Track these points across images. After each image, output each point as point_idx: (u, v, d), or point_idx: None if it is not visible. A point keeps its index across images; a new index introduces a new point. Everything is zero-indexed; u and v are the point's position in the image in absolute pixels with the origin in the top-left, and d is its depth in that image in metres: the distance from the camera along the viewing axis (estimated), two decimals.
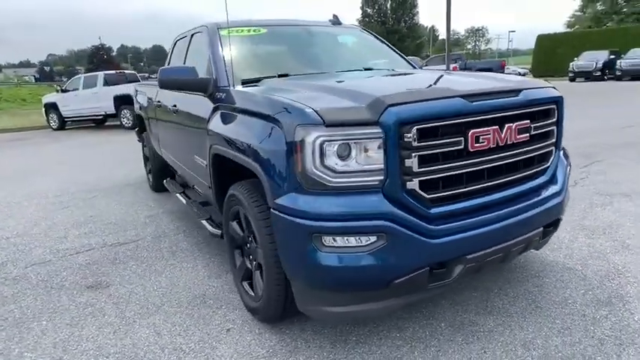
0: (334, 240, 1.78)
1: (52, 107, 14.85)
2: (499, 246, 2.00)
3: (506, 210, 2.02)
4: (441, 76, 2.43)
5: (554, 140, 2.28)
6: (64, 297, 2.85)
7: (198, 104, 2.96)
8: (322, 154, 1.76)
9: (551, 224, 2.29)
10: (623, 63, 21.81)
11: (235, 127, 2.29)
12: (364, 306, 1.92)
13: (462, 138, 1.88)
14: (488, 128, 1.94)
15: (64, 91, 14.73)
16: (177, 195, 4.03)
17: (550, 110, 2.22)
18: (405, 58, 3.65)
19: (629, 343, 2.05)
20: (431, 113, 1.81)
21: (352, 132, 1.75)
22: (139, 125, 5.79)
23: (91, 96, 13.86)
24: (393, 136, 1.75)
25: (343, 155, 1.77)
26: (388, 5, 58.92)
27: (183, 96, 3.30)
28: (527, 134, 2.09)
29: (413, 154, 1.78)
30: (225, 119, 2.46)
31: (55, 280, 3.12)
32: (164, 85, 2.94)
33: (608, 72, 23.26)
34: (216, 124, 2.56)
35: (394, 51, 3.70)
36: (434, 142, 1.82)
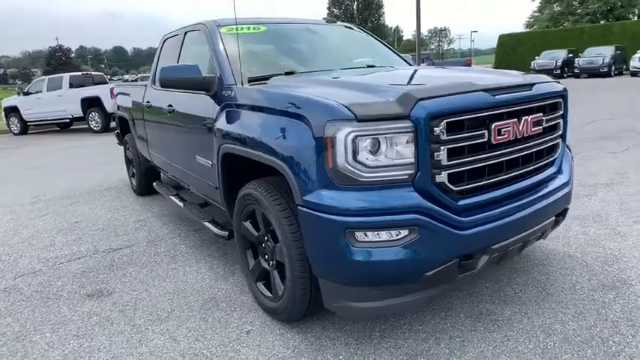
0: (367, 235, 1.78)
1: (12, 111, 14.13)
2: (520, 235, 2.05)
3: (524, 200, 2.08)
4: (454, 71, 2.47)
5: (560, 132, 2.37)
6: (65, 307, 2.72)
7: (200, 104, 2.88)
8: (355, 150, 1.75)
9: (561, 213, 2.37)
10: (580, 61, 22.92)
11: (253, 125, 2.24)
12: (394, 300, 1.93)
13: (486, 131, 1.92)
14: (509, 121, 1.99)
15: (25, 93, 14.02)
16: (172, 198, 3.91)
17: (557, 103, 2.30)
18: (400, 55, 3.70)
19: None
20: (458, 107, 1.84)
21: (384, 126, 1.75)
22: (121, 128, 5.60)
23: (56, 99, 13.26)
24: (424, 130, 1.76)
25: (374, 150, 1.77)
26: (355, 6, 59.53)
27: (182, 96, 3.21)
28: (540, 127, 2.16)
29: (442, 148, 1.80)
30: (239, 118, 2.40)
31: (51, 290, 2.96)
32: (165, 84, 2.86)
33: (567, 70, 24.38)
34: (226, 123, 2.50)
35: (389, 48, 3.74)
36: (461, 135, 1.85)
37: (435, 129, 1.78)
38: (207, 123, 2.76)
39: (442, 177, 1.83)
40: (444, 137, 1.80)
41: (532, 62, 25.88)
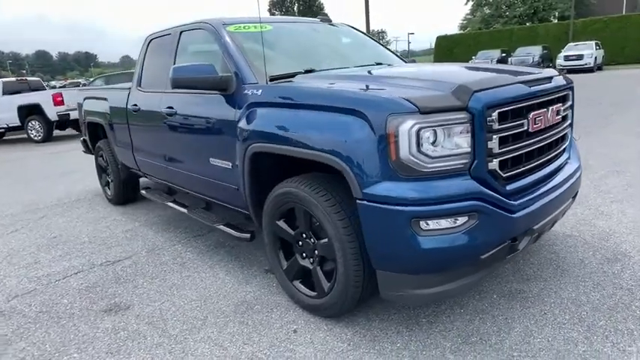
0: (430, 223, 1.85)
1: None
2: (551, 215, 2.22)
3: (553, 183, 2.25)
4: (473, 67, 2.60)
5: (570, 122, 2.59)
6: (83, 325, 2.53)
7: (213, 104, 2.81)
8: (418, 141, 1.81)
9: (574, 195, 2.59)
10: (513, 60, 24.61)
11: (297, 123, 2.21)
12: (450, 285, 2.01)
13: (525, 120, 2.06)
14: (541, 110, 2.15)
15: None
16: (170, 204, 3.75)
17: (568, 95, 2.51)
18: (395, 54, 3.82)
19: None
20: (507, 97, 1.96)
21: (443, 118, 1.83)
22: (90, 135, 5.26)
23: None
24: (480, 120, 1.86)
25: (434, 141, 1.84)
26: (295, 8, 59.77)
27: (186, 97, 3.10)
28: (560, 116, 2.35)
29: (494, 137, 1.91)
30: (274, 116, 2.36)
31: (58, 309, 2.74)
32: (178, 84, 2.75)
33: None
34: (255, 123, 2.46)
35: (384, 47, 3.85)
36: (508, 125, 1.97)
37: (489, 119, 1.88)
38: (226, 124, 2.70)
39: (494, 164, 1.94)
40: (495, 126, 1.91)
41: (469, 62, 27.44)
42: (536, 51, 25.18)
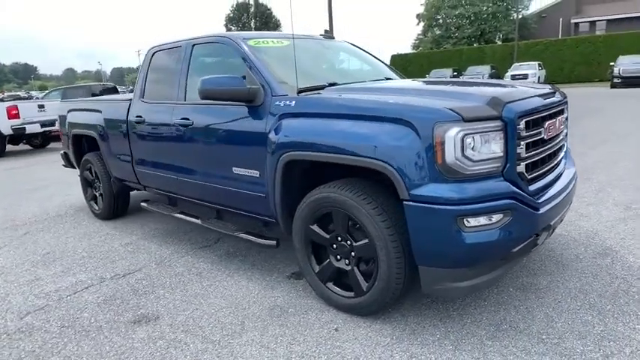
0: (471, 221, 2.05)
1: None
2: (562, 213, 2.51)
3: (560, 185, 2.54)
4: (490, 82, 2.88)
5: (566, 131, 2.92)
6: (115, 336, 2.50)
7: (239, 115, 2.90)
8: (462, 146, 2.02)
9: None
10: (465, 78, 26.09)
11: (337, 131, 2.34)
12: (484, 277, 2.21)
13: (542, 128, 2.33)
14: (552, 120, 2.44)
15: None
16: (178, 215, 3.74)
17: (565, 107, 2.84)
18: (392, 69, 4.07)
19: None
20: (531, 108, 2.23)
21: (482, 126, 2.05)
22: (76, 148, 5.10)
23: None
24: (511, 128, 2.10)
25: (474, 146, 2.06)
26: (252, 24, 60.00)
27: (206, 109, 3.16)
28: (563, 125, 2.67)
29: (522, 143, 2.16)
30: (310, 126, 2.49)
31: (82, 322, 2.68)
32: (206, 95, 2.83)
33: None
34: (290, 132, 2.57)
35: (382, 62, 4.10)
36: (532, 132, 2.24)
37: (518, 127, 2.13)
38: (254, 134, 2.80)
39: (521, 167, 2.19)
40: (523, 134, 2.16)
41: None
42: (485, 70, 26.83)
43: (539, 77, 24.90)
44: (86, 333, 2.56)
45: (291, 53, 3.26)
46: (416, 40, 41.05)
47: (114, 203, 4.77)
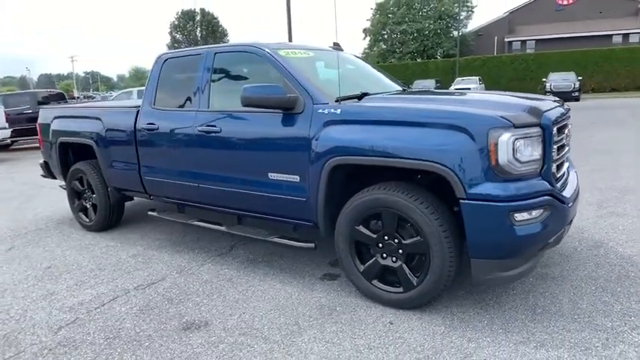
0: (520, 216, 2.31)
1: None
2: (576, 209, 2.86)
3: (573, 185, 2.89)
4: (508, 94, 3.20)
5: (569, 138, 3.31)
6: (172, 344, 2.48)
7: (279, 122, 2.99)
8: (514, 149, 2.28)
9: None
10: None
11: (389, 137, 2.52)
12: (524, 267, 2.48)
13: (564, 134, 2.67)
14: (568, 127, 2.79)
15: None
16: (197, 223, 3.71)
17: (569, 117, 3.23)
18: (396, 81, 4.33)
19: (634, 264, 3.16)
20: (559, 116, 2.56)
21: (528, 131, 2.33)
22: (62, 157, 4.85)
23: None
24: (548, 133, 2.41)
25: (521, 149, 2.33)
26: (198, 32, 58.90)
27: (242, 115, 3.22)
28: (570, 132, 3.04)
29: (554, 146, 2.47)
30: (360, 132, 2.64)
31: (127, 333, 2.62)
32: (248, 103, 2.91)
33: None
34: (337, 138, 2.71)
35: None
36: (559, 137, 2.56)
37: (552, 133, 2.44)
38: (296, 140, 2.91)
39: (553, 168, 2.50)
40: (555, 139, 2.48)
41: None
42: (430, 84, 28.27)
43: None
44: (138, 343, 2.51)
45: (314, 63, 3.42)
46: (363, 53, 42.46)
47: (109, 214, 4.59)
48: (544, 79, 23.05)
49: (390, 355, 2.27)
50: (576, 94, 21.47)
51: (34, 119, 13.69)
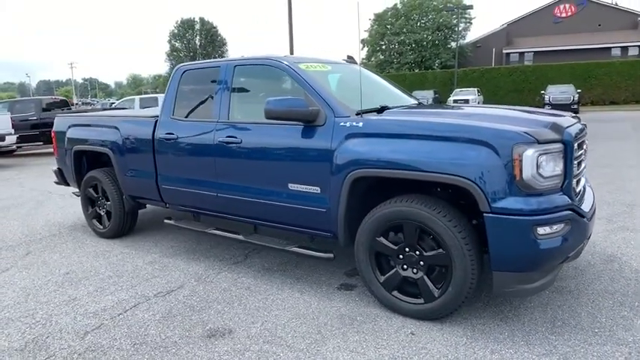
0: (542, 230, 2.37)
1: None
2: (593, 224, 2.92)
3: (590, 200, 2.96)
4: (526, 109, 3.28)
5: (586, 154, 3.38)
6: (198, 351, 2.51)
7: (300, 134, 3.05)
8: (537, 165, 2.35)
9: None
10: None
11: (413, 150, 2.58)
12: (544, 280, 2.54)
13: (582, 150, 2.75)
14: (586, 144, 2.87)
15: None
16: (214, 231, 3.76)
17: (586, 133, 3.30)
18: (408, 93, 4.41)
19: None
20: (578, 132, 2.63)
21: (550, 147, 2.40)
22: (77, 164, 4.89)
23: None
24: (569, 149, 2.48)
25: (544, 165, 2.40)
26: (197, 41, 59.23)
27: (263, 127, 3.27)
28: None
29: (575, 162, 2.55)
30: (383, 145, 2.70)
31: (153, 339, 2.65)
32: (272, 115, 2.98)
33: None
34: (359, 151, 2.77)
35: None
36: (579, 153, 2.63)
37: (573, 148, 2.51)
38: (317, 152, 2.97)
39: (573, 183, 2.57)
40: (575, 154, 2.55)
41: None
42: (429, 95, 28.51)
43: (478, 102, 26.93)
44: (165, 349, 2.55)
45: (332, 77, 3.50)
46: (361, 64, 42.82)
47: (124, 221, 4.63)
48: (542, 92, 23.27)
49: None
50: (575, 106, 21.67)
51: (38, 126, 13.80)
